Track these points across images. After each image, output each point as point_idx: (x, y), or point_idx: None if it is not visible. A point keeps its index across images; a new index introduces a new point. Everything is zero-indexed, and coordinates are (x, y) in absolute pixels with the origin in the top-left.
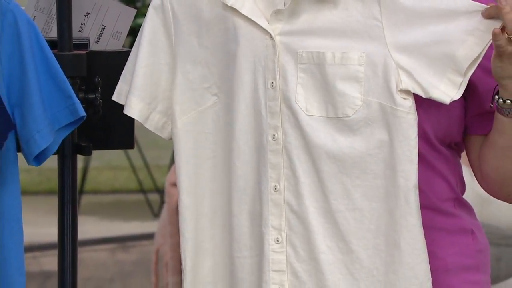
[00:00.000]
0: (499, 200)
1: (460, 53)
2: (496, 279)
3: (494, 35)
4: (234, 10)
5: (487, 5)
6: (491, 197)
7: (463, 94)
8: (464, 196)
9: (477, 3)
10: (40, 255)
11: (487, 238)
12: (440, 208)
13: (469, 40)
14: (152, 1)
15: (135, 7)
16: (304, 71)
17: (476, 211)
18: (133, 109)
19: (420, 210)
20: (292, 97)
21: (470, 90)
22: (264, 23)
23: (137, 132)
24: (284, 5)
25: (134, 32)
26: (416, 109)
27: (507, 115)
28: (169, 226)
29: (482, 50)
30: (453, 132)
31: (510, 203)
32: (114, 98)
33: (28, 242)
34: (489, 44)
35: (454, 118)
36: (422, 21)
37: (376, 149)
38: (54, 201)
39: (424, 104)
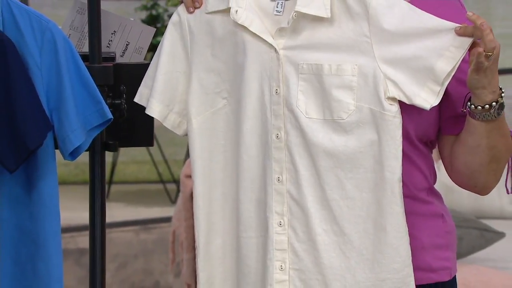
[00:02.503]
0: (460, 190)
1: (438, 66)
2: (458, 256)
3: (478, 53)
4: (243, 27)
5: (459, 24)
6: (454, 187)
7: None
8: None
9: (451, 22)
10: (76, 235)
11: None
12: (417, 196)
13: (445, 55)
14: (171, 18)
15: (155, 27)
16: (304, 80)
17: (443, 199)
18: (154, 110)
19: (403, 199)
20: (293, 102)
21: (444, 96)
22: (269, 39)
23: (156, 132)
24: (288, 23)
25: (154, 48)
26: (401, 113)
27: (477, 118)
28: (184, 211)
29: (457, 63)
30: (429, 132)
31: (476, 192)
32: (136, 99)
33: (66, 224)
34: (461, 58)
35: (431, 120)
36: (405, 38)
37: (366, 147)
38: (88, 190)
39: (407, 109)
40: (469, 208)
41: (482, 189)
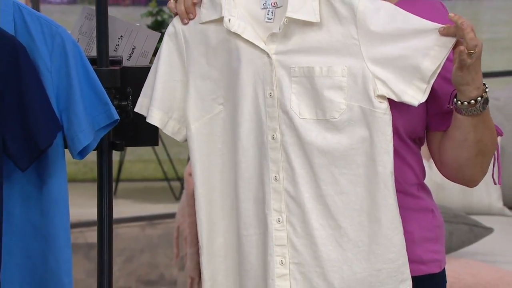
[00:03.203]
0: (450, 187)
1: (424, 65)
2: (449, 250)
3: (460, 51)
4: (236, 35)
5: (443, 25)
6: (445, 184)
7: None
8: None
9: (434, 23)
10: (85, 230)
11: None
12: (408, 191)
13: (430, 54)
14: (167, 29)
15: (160, 32)
16: (296, 83)
17: (433, 195)
18: (154, 118)
19: (395, 192)
20: (287, 104)
21: (431, 94)
22: (262, 45)
23: (161, 132)
24: (279, 29)
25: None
26: (391, 110)
27: (463, 113)
28: (187, 207)
29: (441, 62)
30: (418, 129)
31: (464, 185)
32: (136, 109)
33: (76, 219)
34: (446, 57)
35: (419, 117)
36: (391, 39)
37: (358, 144)
38: (96, 187)
39: (397, 106)
40: (459, 204)
41: (470, 182)
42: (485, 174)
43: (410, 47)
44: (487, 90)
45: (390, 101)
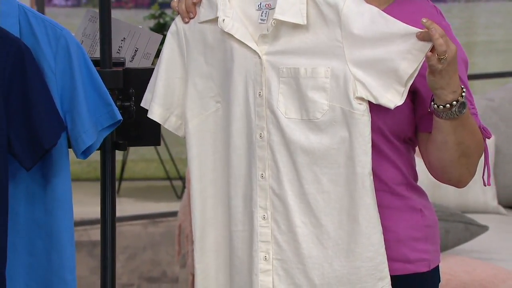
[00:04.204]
0: (446, 186)
1: (401, 68)
2: (445, 248)
3: (427, 57)
4: (230, 35)
5: (421, 29)
6: (441, 184)
7: (412, 99)
8: (420, 182)
9: (413, 27)
10: (89, 228)
11: (438, 215)
12: (394, 191)
13: (408, 58)
14: (170, 28)
15: (162, 34)
16: (284, 83)
17: (429, 194)
18: (155, 114)
19: (374, 192)
20: (274, 104)
21: (417, 95)
22: (253, 45)
23: (163, 132)
24: (267, 30)
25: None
26: (372, 111)
27: (441, 117)
28: (189, 206)
29: (418, 66)
30: (404, 129)
31: (452, 185)
32: (142, 104)
33: (79, 218)
34: (423, 61)
35: (405, 117)
36: (373, 42)
37: (339, 144)
38: (99, 186)
39: (377, 107)
40: (455, 203)
41: (457, 183)
42: (473, 174)
43: (390, 50)
44: (463, 94)
45: (371, 102)
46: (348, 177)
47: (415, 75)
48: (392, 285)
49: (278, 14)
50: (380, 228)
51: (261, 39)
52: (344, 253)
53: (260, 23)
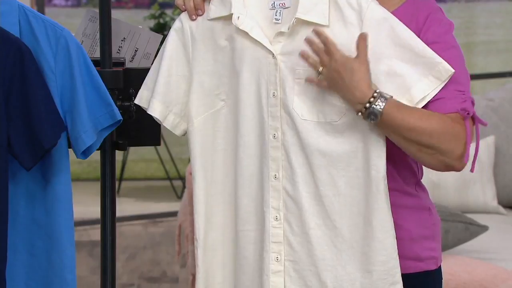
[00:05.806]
0: (447, 186)
1: (414, 90)
2: (445, 248)
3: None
4: (243, 33)
5: (441, 58)
6: (441, 183)
7: None
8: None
9: (434, 53)
10: (89, 228)
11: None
12: (406, 190)
13: (424, 81)
14: (174, 24)
15: (162, 34)
16: (299, 85)
17: (429, 194)
18: (155, 110)
19: (388, 196)
20: (290, 105)
21: None
22: (268, 45)
23: (163, 132)
24: (288, 29)
25: None
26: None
27: (370, 122)
28: (189, 206)
29: (430, 92)
30: None
31: (448, 170)
32: (136, 101)
33: (79, 218)
34: (436, 89)
35: None
36: (391, 54)
37: (356, 147)
38: (99, 186)
39: None
40: (455, 203)
41: (445, 167)
42: (461, 150)
43: (407, 67)
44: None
45: None
46: (365, 180)
47: (427, 99)
48: (404, 283)
49: (301, 14)
50: (393, 232)
51: (276, 38)
52: (358, 257)
53: (274, 22)
